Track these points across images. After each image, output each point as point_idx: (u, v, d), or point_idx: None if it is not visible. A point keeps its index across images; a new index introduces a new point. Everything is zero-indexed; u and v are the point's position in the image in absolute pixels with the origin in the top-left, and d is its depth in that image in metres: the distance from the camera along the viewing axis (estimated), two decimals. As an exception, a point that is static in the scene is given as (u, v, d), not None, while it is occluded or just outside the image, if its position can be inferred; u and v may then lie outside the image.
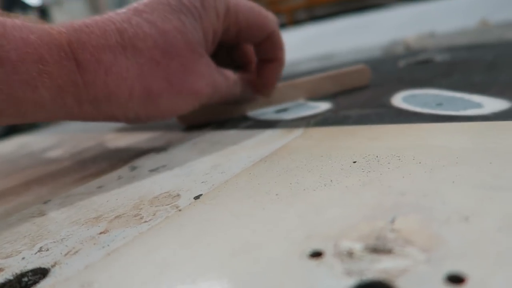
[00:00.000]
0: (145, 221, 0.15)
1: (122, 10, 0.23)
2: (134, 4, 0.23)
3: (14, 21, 0.18)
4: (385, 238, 0.11)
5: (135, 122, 0.24)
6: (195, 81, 0.23)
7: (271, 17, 0.27)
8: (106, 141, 0.32)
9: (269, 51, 0.28)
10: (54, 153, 0.32)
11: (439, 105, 0.23)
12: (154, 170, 0.21)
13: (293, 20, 2.35)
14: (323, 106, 0.29)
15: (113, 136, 0.33)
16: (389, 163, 0.16)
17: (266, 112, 0.30)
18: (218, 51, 0.28)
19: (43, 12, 3.99)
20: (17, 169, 0.29)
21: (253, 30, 0.26)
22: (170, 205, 0.16)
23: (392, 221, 0.11)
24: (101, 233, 0.15)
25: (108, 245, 0.14)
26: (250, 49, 0.30)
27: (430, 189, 0.13)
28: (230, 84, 0.27)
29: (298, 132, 0.23)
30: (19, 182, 0.25)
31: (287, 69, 0.53)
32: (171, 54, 0.22)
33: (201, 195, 0.16)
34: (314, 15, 2.29)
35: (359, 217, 0.12)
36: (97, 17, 0.22)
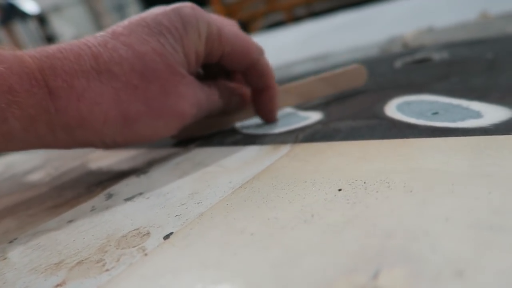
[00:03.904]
0: (107, 270, 0.13)
1: (101, 33, 0.22)
2: (114, 27, 0.23)
3: None
4: (365, 301, 0.09)
5: (113, 148, 0.23)
6: (176, 103, 0.22)
7: (256, 46, 0.26)
8: (90, 160, 0.31)
9: (257, 80, 0.26)
10: (35, 176, 0.31)
11: (435, 114, 0.21)
12: (129, 199, 0.20)
13: (292, 17, 2.32)
14: (314, 116, 0.27)
15: (98, 155, 0.32)
16: (377, 191, 0.14)
17: (255, 124, 0.29)
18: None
19: (42, 20, 4.00)
20: (-4, 196, 0.28)
21: (236, 56, 0.25)
22: (136, 248, 0.15)
23: (375, 275, 0.10)
24: (57, 285, 0.13)
25: (62, 303, 0.12)
26: None
27: (421, 229, 0.11)
28: (216, 100, 0.26)
29: (284, 149, 0.21)
30: (-7, 213, 0.24)
31: (280, 72, 0.51)
32: (149, 77, 0.21)
33: (171, 233, 0.15)
34: (313, 11, 2.26)
35: (339, 268, 0.10)
36: (73, 41, 0.21)
